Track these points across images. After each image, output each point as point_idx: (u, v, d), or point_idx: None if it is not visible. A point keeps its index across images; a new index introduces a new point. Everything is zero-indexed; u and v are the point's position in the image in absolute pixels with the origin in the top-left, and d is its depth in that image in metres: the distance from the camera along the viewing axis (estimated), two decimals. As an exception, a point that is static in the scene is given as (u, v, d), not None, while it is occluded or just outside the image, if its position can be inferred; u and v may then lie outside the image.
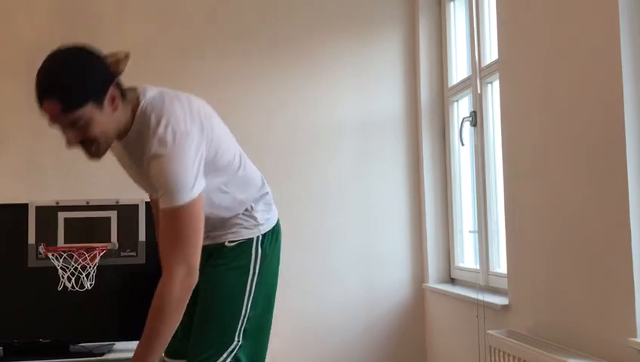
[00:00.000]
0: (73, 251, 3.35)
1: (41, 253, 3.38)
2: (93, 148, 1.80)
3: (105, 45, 4.08)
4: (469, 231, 3.71)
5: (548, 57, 2.52)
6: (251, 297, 1.99)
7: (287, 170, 3.91)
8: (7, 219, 3.46)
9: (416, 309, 3.97)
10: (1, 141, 3.81)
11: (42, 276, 3.38)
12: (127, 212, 3.47)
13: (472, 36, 3.42)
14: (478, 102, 3.34)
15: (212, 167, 1.90)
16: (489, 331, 2.75)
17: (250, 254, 2.01)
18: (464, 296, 3.30)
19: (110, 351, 3.38)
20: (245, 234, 2.03)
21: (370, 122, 4.02)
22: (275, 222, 2.14)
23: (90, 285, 3.36)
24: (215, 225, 2.03)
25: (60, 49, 1.85)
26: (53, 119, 1.73)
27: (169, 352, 2.10)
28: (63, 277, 3.35)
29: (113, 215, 3.47)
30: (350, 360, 3.87)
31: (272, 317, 2.13)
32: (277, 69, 4.04)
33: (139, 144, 1.82)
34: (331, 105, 4.00)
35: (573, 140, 2.35)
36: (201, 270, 1.83)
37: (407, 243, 4.01)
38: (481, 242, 3.30)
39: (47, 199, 3.52)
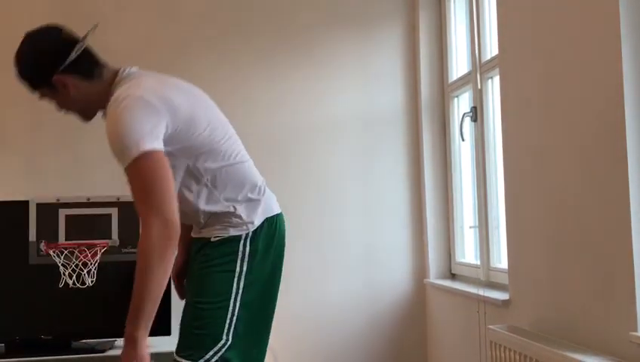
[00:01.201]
0: (74, 248, 3.36)
1: (42, 250, 3.39)
2: (68, 113, 2.03)
3: (104, 43, 4.08)
4: (470, 227, 3.72)
5: (548, 52, 2.52)
6: (239, 296, 1.93)
7: (288, 166, 3.91)
8: (8, 217, 3.47)
9: (417, 305, 3.98)
10: (2, 138, 3.81)
11: (43, 273, 3.39)
12: (128, 208, 3.47)
13: (472, 31, 3.41)
14: (479, 97, 3.34)
15: (182, 144, 1.89)
16: (490, 326, 2.75)
17: (237, 252, 1.95)
18: (465, 291, 3.30)
19: (112, 347, 3.39)
20: (232, 232, 1.96)
21: (371, 118, 4.02)
22: (272, 220, 2.04)
23: (92, 282, 3.37)
24: (201, 220, 1.99)
25: (26, 35, 2.09)
26: None
27: None
28: (64, 274, 3.35)
29: (114, 212, 3.47)
30: (351, 355, 3.88)
31: (270, 317, 2.09)
32: (277, 66, 4.03)
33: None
34: (332, 101, 4.00)
35: (573, 135, 2.35)
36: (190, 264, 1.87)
37: (408, 238, 4.01)
38: (481, 237, 3.30)
39: (48, 196, 3.53)
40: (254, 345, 2.03)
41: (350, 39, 4.05)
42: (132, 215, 3.45)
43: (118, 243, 3.45)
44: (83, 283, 3.36)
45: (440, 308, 3.75)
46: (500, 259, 3.20)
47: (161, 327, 3.44)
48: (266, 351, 2.11)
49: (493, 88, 3.27)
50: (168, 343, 3.42)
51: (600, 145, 2.19)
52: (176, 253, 1.82)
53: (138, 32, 3.95)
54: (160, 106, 1.84)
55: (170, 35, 3.97)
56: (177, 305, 3.76)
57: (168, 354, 3.26)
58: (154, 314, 1.77)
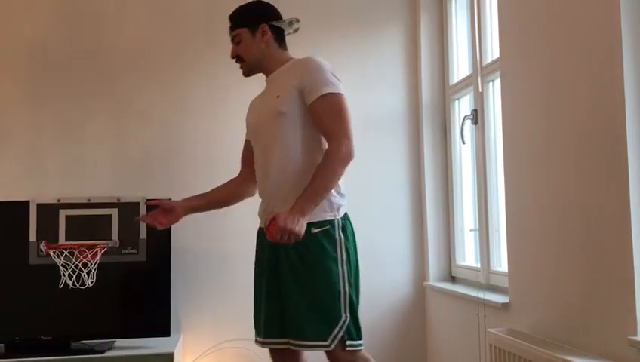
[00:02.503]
0: (74, 249, 3.36)
1: (42, 251, 3.39)
2: (242, 64, 2.49)
3: (105, 43, 4.10)
4: (470, 230, 3.72)
5: (549, 55, 2.52)
6: (345, 275, 2.27)
7: (288, 168, 3.91)
8: (8, 217, 3.47)
9: (417, 307, 3.97)
10: (3, 138, 3.81)
11: (43, 273, 3.39)
12: (128, 209, 3.47)
13: (473, 34, 3.41)
14: (480, 100, 3.34)
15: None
16: (489, 329, 2.75)
17: (335, 238, 2.28)
18: (465, 294, 3.30)
19: (111, 348, 3.39)
20: (323, 217, 2.29)
21: (372, 120, 4.01)
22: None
23: (91, 282, 3.36)
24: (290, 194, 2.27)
25: None
26: (230, 38, 2.50)
27: (262, 333, 2.38)
28: (64, 275, 3.35)
29: (114, 212, 3.47)
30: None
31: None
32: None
33: (285, 75, 2.37)
34: (332, 103, 4.00)
35: (574, 138, 2.35)
36: (286, 251, 2.26)
37: (408, 241, 4.01)
38: (481, 240, 3.30)
39: (49, 196, 3.53)
40: (358, 316, 2.34)
41: (351, 42, 4.05)
42: (132, 216, 3.47)
43: (118, 244, 3.45)
44: (83, 283, 3.36)
45: (440, 311, 3.75)
46: (501, 262, 3.20)
47: (160, 328, 3.44)
48: None
49: (494, 91, 3.27)
50: (167, 344, 3.43)
51: (601, 148, 2.19)
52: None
53: (140, 32, 3.96)
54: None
55: (170, 34, 3.98)
56: (176, 308, 3.76)
57: (167, 355, 3.28)
58: (315, 206, 2.21)
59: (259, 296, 2.44)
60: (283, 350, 2.37)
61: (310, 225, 2.23)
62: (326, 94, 2.26)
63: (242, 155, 2.68)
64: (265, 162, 2.40)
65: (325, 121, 2.26)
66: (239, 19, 2.45)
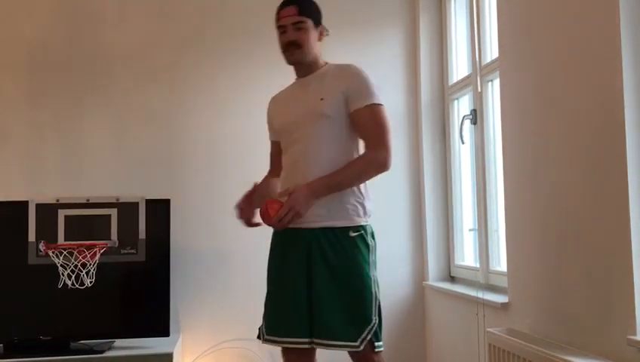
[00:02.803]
0: (73, 249, 3.35)
1: (41, 251, 3.39)
2: (295, 50, 2.44)
3: (105, 42, 4.10)
4: (469, 229, 3.72)
5: (548, 55, 2.52)
6: (376, 280, 2.37)
7: (287, 167, 3.91)
8: (7, 217, 3.47)
9: (417, 307, 3.97)
10: (2, 138, 3.81)
11: (42, 273, 3.39)
12: (127, 209, 3.48)
13: (472, 34, 3.42)
14: (479, 100, 3.34)
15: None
16: (489, 329, 2.75)
17: (368, 243, 2.37)
18: (464, 293, 3.30)
19: (110, 348, 3.39)
20: (358, 221, 2.38)
21: (371, 120, 4.01)
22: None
23: (91, 282, 3.36)
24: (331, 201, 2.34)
25: None
26: (285, 21, 2.45)
27: (282, 333, 2.36)
28: (63, 275, 3.35)
29: (113, 212, 3.47)
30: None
31: None
32: (277, 67, 4.02)
33: (328, 79, 2.42)
34: (332, 103, 4.00)
35: (573, 138, 2.35)
36: (322, 253, 2.30)
37: (408, 241, 4.01)
38: (481, 240, 3.30)
39: (48, 196, 3.53)
40: None
41: (351, 42, 4.05)
42: (131, 216, 3.48)
43: (117, 244, 3.45)
44: (82, 283, 3.36)
45: (439, 311, 3.75)
46: (500, 262, 3.20)
47: (159, 328, 3.44)
48: None
49: (493, 91, 3.27)
50: (166, 344, 3.43)
51: (599, 148, 2.20)
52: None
53: (139, 32, 3.96)
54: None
55: (170, 34, 3.98)
56: (175, 308, 3.76)
57: (166, 355, 3.28)
58: (329, 193, 2.32)
59: (281, 295, 2.39)
60: (300, 349, 2.35)
61: (348, 228, 2.33)
62: (372, 105, 2.36)
63: (272, 156, 2.67)
64: (300, 162, 2.39)
65: (369, 129, 2.37)
66: (307, 9, 2.45)
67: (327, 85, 2.40)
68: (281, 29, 2.48)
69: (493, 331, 2.68)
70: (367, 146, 2.39)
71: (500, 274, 3.08)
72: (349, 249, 2.33)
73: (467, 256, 3.77)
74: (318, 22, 2.48)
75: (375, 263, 2.40)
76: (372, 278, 2.35)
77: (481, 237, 3.29)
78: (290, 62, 2.50)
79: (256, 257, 3.96)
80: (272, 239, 2.50)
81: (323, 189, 2.30)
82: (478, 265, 3.39)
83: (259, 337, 2.45)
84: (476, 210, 3.40)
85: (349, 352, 2.35)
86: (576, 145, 2.33)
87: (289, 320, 2.34)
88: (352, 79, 2.39)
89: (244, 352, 3.81)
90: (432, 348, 3.86)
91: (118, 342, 3.48)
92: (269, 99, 2.69)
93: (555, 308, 2.48)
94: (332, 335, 2.29)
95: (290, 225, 2.33)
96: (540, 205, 2.58)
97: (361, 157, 2.39)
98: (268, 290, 2.47)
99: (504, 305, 2.85)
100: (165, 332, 3.43)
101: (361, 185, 2.40)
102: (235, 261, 3.88)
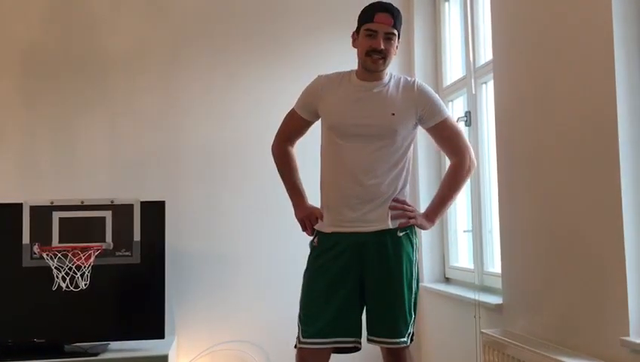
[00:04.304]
0: (68, 251, 3.35)
1: (35, 253, 3.37)
2: (379, 60, 2.44)
3: (99, 45, 4.09)
4: (464, 231, 3.73)
5: (542, 58, 2.54)
6: (416, 276, 2.50)
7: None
8: (1, 219, 3.45)
9: (411, 308, 3.97)
10: (-4, 140, 3.80)
11: (37, 276, 3.37)
12: (122, 211, 3.47)
13: (466, 36, 3.43)
14: (473, 102, 3.35)
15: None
16: (483, 330, 2.76)
17: (413, 242, 2.51)
18: (459, 295, 3.31)
19: (105, 350, 3.38)
20: (405, 222, 2.48)
21: (365, 122, 4.01)
22: None
23: (85, 285, 3.36)
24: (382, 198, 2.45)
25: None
26: (380, 27, 2.43)
27: (328, 334, 2.42)
28: (58, 277, 3.34)
29: (108, 215, 3.46)
30: (344, 359, 3.87)
31: None
32: (271, 69, 4.04)
33: (397, 94, 2.49)
34: (326, 105, 4.00)
35: (567, 140, 2.36)
36: (379, 255, 2.42)
37: (402, 242, 4.01)
38: (475, 242, 3.31)
39: (42, 198, 3.52)
40: None
41: (345, 44, 4.03)
42: (126, 218, 3.47)
43: (111, 247, 3.44)
44: (76, 286, 3.35)
45: (434, 312, 3.76)
46: (494, 264, 3.21)
47: (154, 331, 3.43)
48: None
49: (488, 93, 3.28)
50: (161, 346, 3.42)
51: (593, 150, 2.21)
52: None
53: (133, 33, 3.95)
54: None
55: (164, 36, 3.97)
56: (170, 310, 3.76)
57: (162, 357, 3.28)
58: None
59: (331, 297, 2.44)
60: (327, 350, 2.45)
61: (396, 229, 2.45)
62: (447, 118, 2.54)
63: (291, 129, 2.74)
64: (360, 169, 2.45)
65: (451, 140, 2.55)
66: (399, 23, 2.49)
67: (398, 102, 2.48)
68: (371, 32, 2.44)
69: (487, 332, 2.69)
70: (455, 154, 2.55)
71: (495, 275, 3.09)
72: (397, 249, 2.44)
73: (462, 257, 3.77)
74: (400, 36, 2.52)
75: (417, 260, 2.53)
76: (414, 275, 2.49)
77: (476, 238, 3.30)
78: (367, 67, 2.48)
79: (251, 259, 3.97)
80: (320, 243, 2.53)
81: (438, 219, 2.59)
82: (472, 267, 3.39)
83: (297, 345, 2.47)
84: (470, 211, 3.41)
85: (388, 349, 2.49)
86: (569, 147, 2.34)
87: (340, 322, 2.43)
88: (423, 98, 2.51)
89: (239, 354, 3.81)
90: (426, 349, 3.86)
91: (113, 345, 3.47)
92: (317, 76, 2.63)
93: (549, 309, 2.49)
94: (395, 334, 2.42)
95: (341, 230, 2.46)
96: (533, 207, 2.59)
97: (452, 170, 2.56)
98: (313, 293, 2.50)
99: (498, 306, 2.85)
100: (160, 335, 3.43)
101: (406, 186, 2.52)
102: (230, 263, 3.88)
